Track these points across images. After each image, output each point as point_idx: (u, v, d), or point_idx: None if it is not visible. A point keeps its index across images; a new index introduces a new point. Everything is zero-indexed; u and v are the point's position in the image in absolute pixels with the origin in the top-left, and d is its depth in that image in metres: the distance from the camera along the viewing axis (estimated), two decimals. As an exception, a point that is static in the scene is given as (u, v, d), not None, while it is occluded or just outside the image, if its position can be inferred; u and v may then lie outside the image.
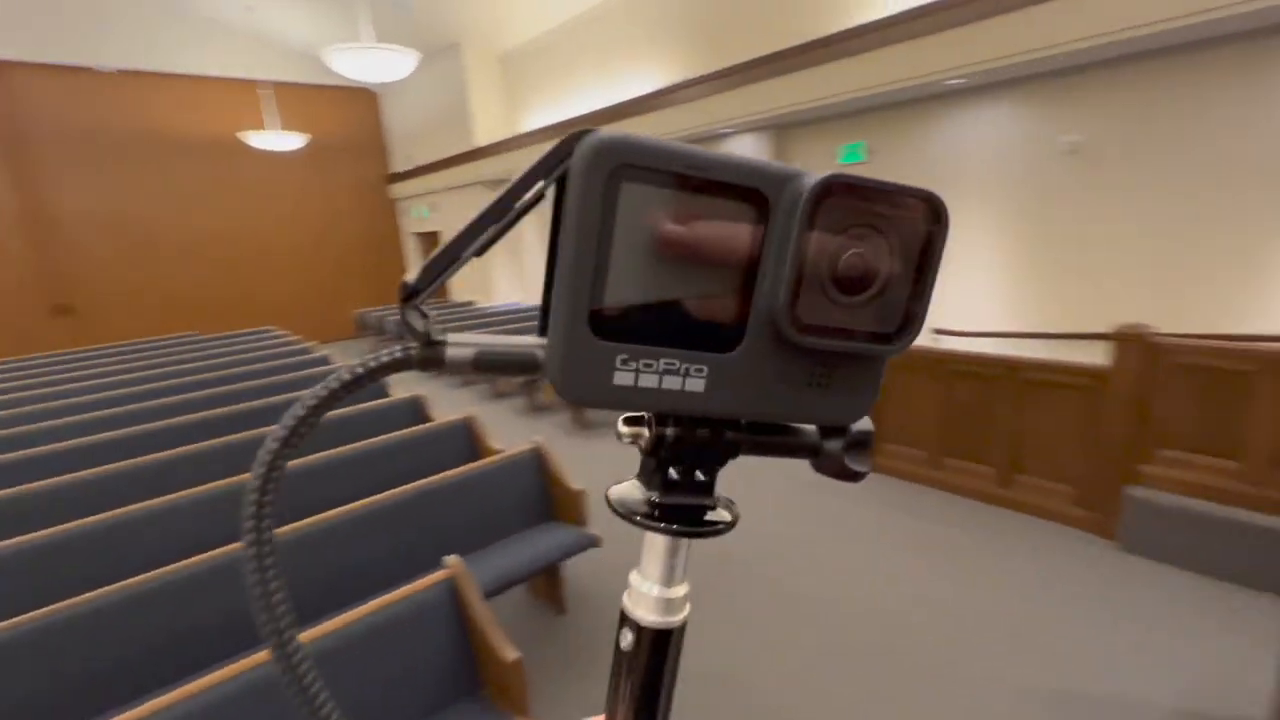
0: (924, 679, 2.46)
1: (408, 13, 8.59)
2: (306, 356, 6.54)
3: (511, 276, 10.82)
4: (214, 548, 2.26)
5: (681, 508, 0.21)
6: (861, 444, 0.21)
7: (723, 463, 0.21)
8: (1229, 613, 2.71)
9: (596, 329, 0.19)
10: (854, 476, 0.22)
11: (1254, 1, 3.13)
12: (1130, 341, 3.16)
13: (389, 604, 1.88)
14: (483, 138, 9.85)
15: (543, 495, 3.15)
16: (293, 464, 3.07)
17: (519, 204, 0.21)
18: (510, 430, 5.88)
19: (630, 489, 0.22)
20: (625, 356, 0.18)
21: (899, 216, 0.17)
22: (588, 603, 3.11)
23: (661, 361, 0.18)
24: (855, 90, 4.86)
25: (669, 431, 0.20)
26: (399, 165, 12.36)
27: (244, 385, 5.17)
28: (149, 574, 2.09)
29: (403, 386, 5.03)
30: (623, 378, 0.19)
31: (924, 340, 5.08)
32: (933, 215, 0.18)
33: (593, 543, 2.89)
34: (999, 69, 4.28)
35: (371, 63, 5.78)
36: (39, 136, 9.50)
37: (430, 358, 0.20)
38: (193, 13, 9.96)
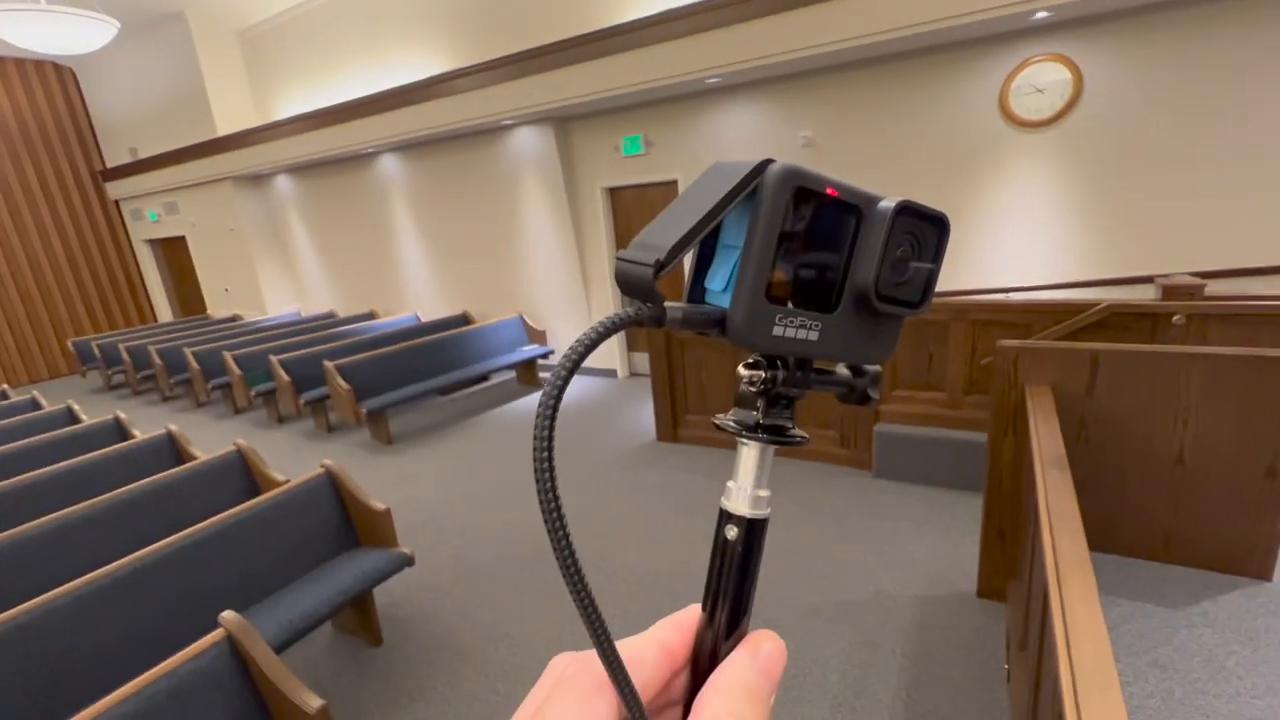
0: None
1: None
2: (3, 403, 5.17)
3: (285, 290, 9.59)
4: None
5: (776, 427, 0.29)
6: (877, 380, 0.31)
7: (801, 396, 0.29)
8: (944, 509, 3.42)
9: (768, 296, 0.26)
10: (871, 402, 0.32)
11: (941, 22, 3.90)
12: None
13: (149, 682, 1.58)
14: (225, 127, 8.52)
15: (342, 521, 2.88)
16: (4, 535, 2.42)
17: (723, 208, 0.26)
18: (303, 457, 5.25)
19: (735, 414, 0.30)
20: (780, 315, 0.26)
21: (928, 228, 0.28)
22: (405, 627, 2.92)
23: (798, 318, 0.27)
24: (631, 85, 5.09)
25: (780, 374, 0.28)
26: (119, 159, 10.19)
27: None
28: None
29: (142, 428, 4.24)
30: (777, 330, 0.26)
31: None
32: (943, 228, 0.28)
33: (406, 562, 2.72)
34: (748, 70, 4.80)
35: (53, 29, 4.63)
36: None
37: (658, 315, 0.26)
38: None
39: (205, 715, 1.65)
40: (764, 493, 0.29)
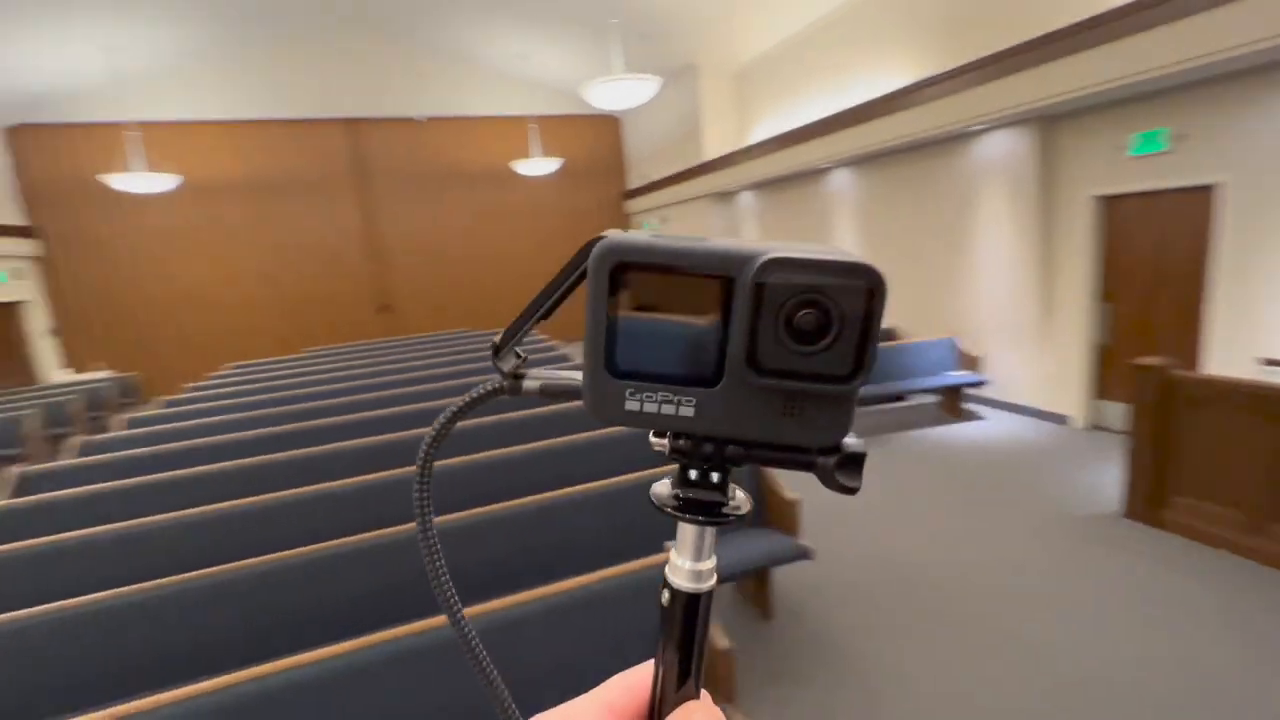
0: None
1: (652, 42, 9.32)
2: (549, 355, 7.48)
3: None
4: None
5: (698, 501, 0.26)
6: (853, 462, 0.25)
7: (732, 467, 0.26)
8: None
9: (611, 371, 0.24)
10: (847, 490, 0.25)
11: None
12: None
13: (610, 576, 2.11)
14: (711, 152, 10.24)
15: (760, 500, 3.21)
16: (547, 443, 3.54)
17: (560, 289, 0.27)
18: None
19: (664, 486, 0.28)
20: (632, 390, 0.24)
21: (838, 284, 0.22)
22: (796, 613, 3.08)
23: (659, 392, 0.24)
24: (1160, 67, 4.03)
25: (681, 443, 0.26)
26: (635, 183, 13.42)
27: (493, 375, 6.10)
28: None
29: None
30: (631, 404, 0.24)
31: (1247, 372, 4.03)
32: (869, 282, 0.22)
33: (804, 554, 2.87)
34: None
35: (620, 92, 6.42)
36: (376, 174, 12.30)
37: (513, 388, 0.28)
38: (482, 64, 12.02)
39: (639, 614, 2.10)
40: (704, 566, 0.27)
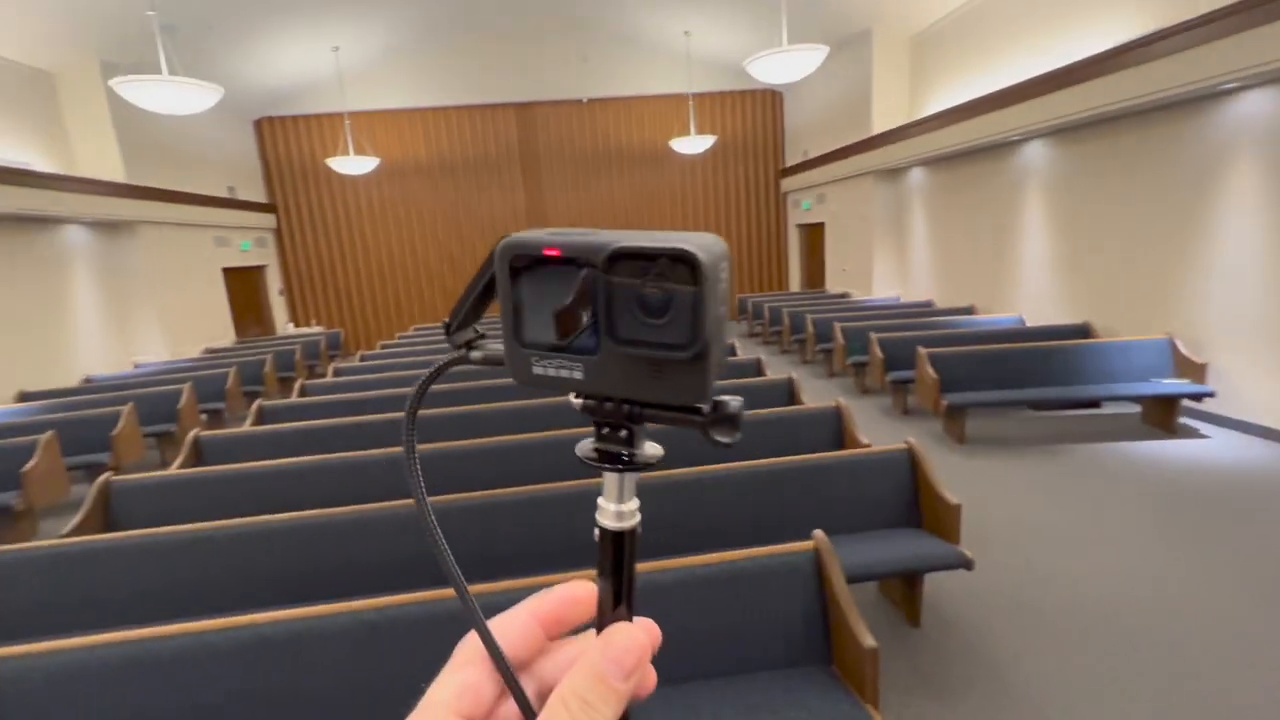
0: None
1: (821, 8, 8.81)
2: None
3: (890, 273, 10.28)
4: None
5: (608, 452, 0.30)
6: (725, 420, 0.28)
7: (634, 424, 0.30)
8: None
9: (520, 343, 0.29)
10: (718, 444, 0.29)
11: None
12: None
13: (756, 556, 2.09)
14: (880, 125, 9.52)
15: (911, 500, 2.99)
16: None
17: (480, 283, 0.31)
18: (876, 429, 5.69)
19: (587, 442, 0.32)
20: (536, 358, 0.29)
21: (667, 267, 0.25)
22: (948, 623, 2.85)
23: (555, 360, 0.28)
24: None
25: (588, 402, 0.30)
26: (794, 159, 12.91)
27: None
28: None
29: (774, 370, 5.35)
30: (537, 370, 0.29)
31: None
32: (690, 266, 0.25)
33: (963, 563, 2.63)
34: None
35: (786, 64, 6.16)
36: (541, 155, 13.05)
37: (463, 359, 0.33)
38: (643, 44, 12.16)
39: (787, 598, 2.06)
40: (626, 508, 0.30)
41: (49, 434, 4.70)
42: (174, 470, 3.69)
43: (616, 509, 0.30)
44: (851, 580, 2.56)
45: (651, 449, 0.31)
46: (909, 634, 2.82)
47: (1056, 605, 2.96)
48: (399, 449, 3.43)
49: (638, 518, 0.31)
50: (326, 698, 1.89)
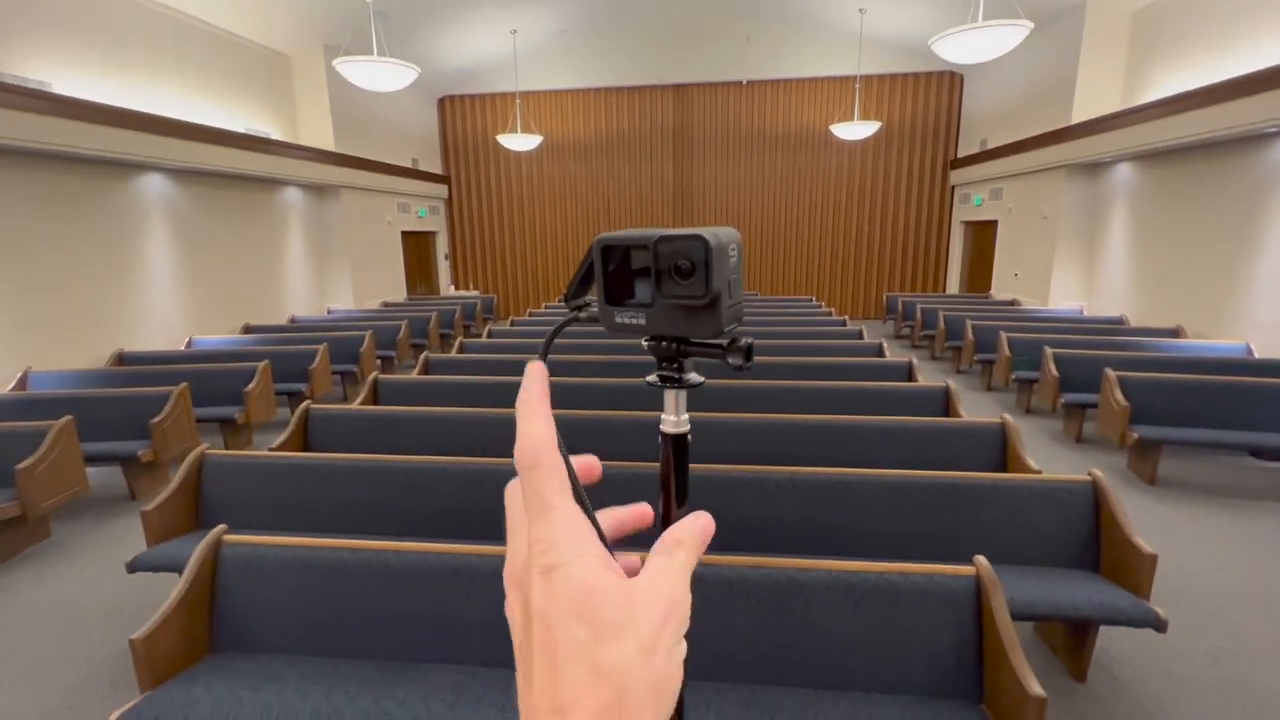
0: None
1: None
2: (839, 328, 7.16)
3: (1073, 282, 9.07)
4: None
5: (666, 376, 0.41)
6: (738, 350, 0.40)
7: (682, 357, 0.41)
8: None
9: (608, 301, 0.40)
10: (733, 366, 0.41)
11: None
12: None
13: (908, 573, 1.95)
14: (1082, 114, 8.35)
15: (1088, 540, 2.65)
16: (823, 418, 3.44)
17: (584, 266, 0.41)
18: (1043, 455, 5.10)
19: (653, 376, 0.42)
20: (617, 311, 0.40)
21: (688, 246, 0.37)
22: (1118, 684, 2.51)
23: (628, 312, 0.39)
24: None
25: (651, 343, 0.41)
26: (969, 149, 11.76)
27: (788, 342, 6.05)
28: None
29: (925, 376, 4.96)
30: (619, 319, 0.40)
31: None
32: (704, 246, 0.36)
33: (1154, 622, 2.28)
34: None
35: (978, 42, 5.57)
36: (694, 137, 13.00)
37: (577, 319, 0.43)
38: (813, 22, 11.61)
39: (932, 620, 1.91)
40: (682, 417, 0.42)
41: (264, 363, 5.54)
42: (357, 405, 4.19)
43: (675, 419, 0.42)
44: (1012, 617, 2.33)
45: (695, 376, 0.43)
46: (1071, 688, 2.51)
47: (1265, 689, 2.48)
48: (564, 411, 3.67)
49: (689, 426, 0.43)
50: (479, 626, 2.07)
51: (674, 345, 0.42)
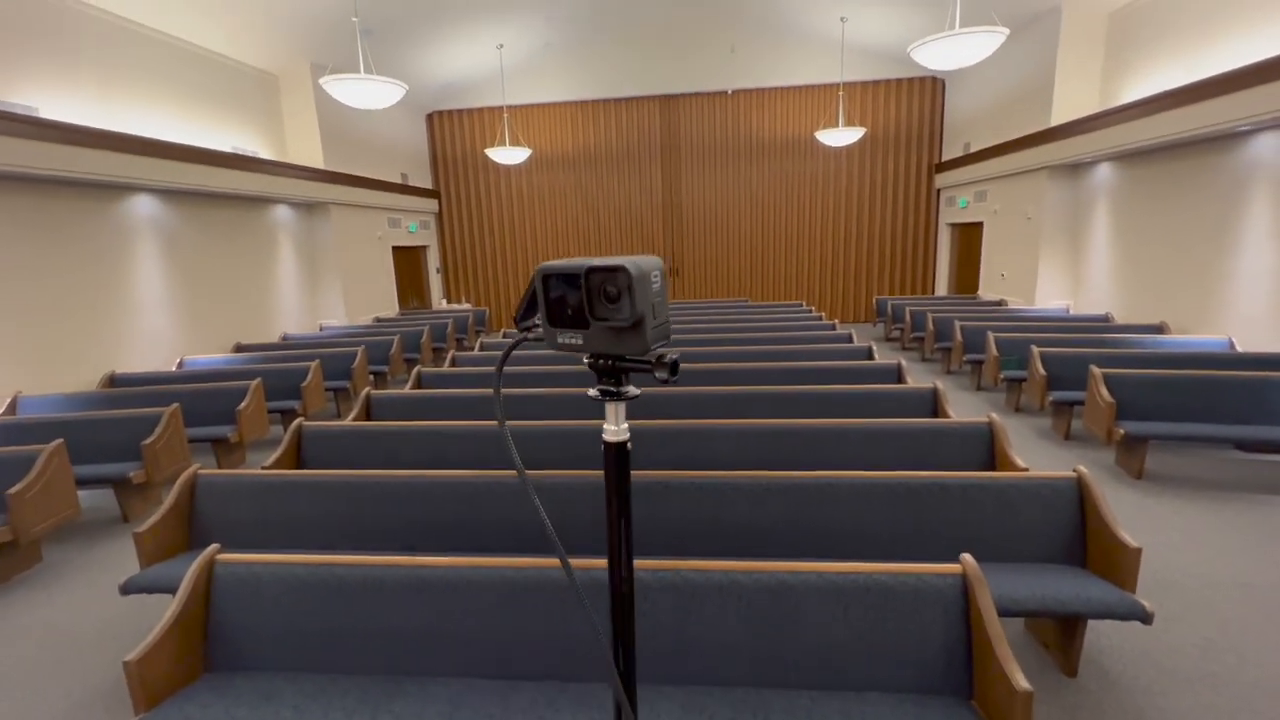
0: None
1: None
2: (829, 332, 7.21)
3: (1058, 282, 9.18)
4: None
5: (606, 390, 0.46)
6: (664, 364, 0.46)
7: (617, 373, 0.49)
8: None
9: (550, 323, 0.47)
10: (659, 380, 0.47)
11: None
12: None
13: (896, 572, 1.98)
14: (1061, 116, 8.49)
15: (1074, 536, 2.68)
16: (813, 422, 3.48)
17: (529, 291, 0.48)
18: (1030, 453, 5.15)
19: (594, 389, 0.47)
20: (559, 332, 0.46)
21: (612, 275, 0.45)
22: (1108, 678, 2.54)
23: (569, 333, 0.46)
24: None
25: (591, 360, 0.45)
26: (953, 153, 11.91)
27: (779, 347, 6.10)
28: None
29: (915, 377, 5.00)
30: (561, 339, 0.47)
31: None
32: (625, 274, 0.44)
33: (1139, 615, 2.31)
34: None
35: (957, 49, 5.67)
36: (681, 146, 13.11)
37: (525, 338, 0.47)
38: (795, 31, 11.76)
39: (921, 618, 1.94)
40: (621, 426, 0.50)
41: (257, 381, 5.54)
42: (349, 421, 4.20)
43: (616, 428, 0.48)
44: (999, 613, 2.36)
45: (632, 389, 0.49)
46: (1062, 684, 2.54)
47: (1254, 682, 2.52)
48: (536, 422, 3.70)
49: (629, 435, 0.48)
50: (473, 639, 2.08)
51: (609, 362, 0.49)
